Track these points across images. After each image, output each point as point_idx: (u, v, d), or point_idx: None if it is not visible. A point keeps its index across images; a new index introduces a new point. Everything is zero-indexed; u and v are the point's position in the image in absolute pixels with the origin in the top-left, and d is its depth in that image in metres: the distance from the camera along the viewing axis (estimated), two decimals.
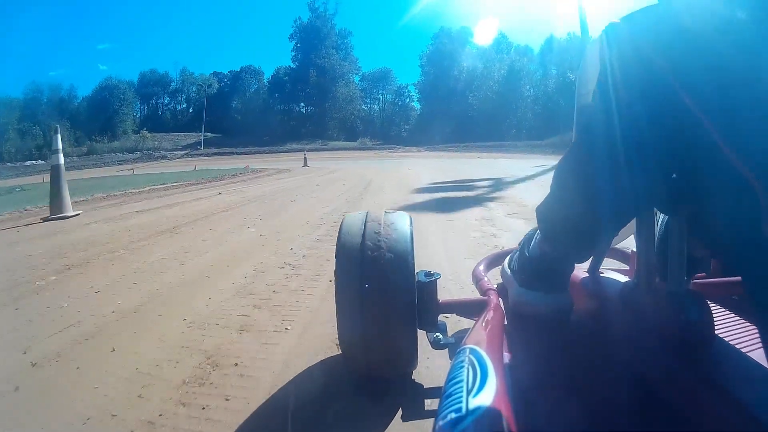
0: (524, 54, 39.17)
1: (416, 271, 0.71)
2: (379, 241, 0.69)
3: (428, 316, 0.74)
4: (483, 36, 39.41)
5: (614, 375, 0.54)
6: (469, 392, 0.34)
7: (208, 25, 74.74)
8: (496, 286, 0.80)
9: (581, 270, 0.75)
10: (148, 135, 38.22)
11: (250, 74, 47.01)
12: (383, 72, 47.47)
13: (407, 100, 47.23)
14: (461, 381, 0.36)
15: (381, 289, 0.66)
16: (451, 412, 0.32)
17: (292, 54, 46.44)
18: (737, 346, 0.49)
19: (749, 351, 0.48)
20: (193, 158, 26.98)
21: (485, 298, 0.75)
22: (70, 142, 35.37)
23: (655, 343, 0.52)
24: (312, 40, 44.45)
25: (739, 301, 0.66)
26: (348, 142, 36.89)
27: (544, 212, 0.62)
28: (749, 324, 0.56)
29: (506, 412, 0.32)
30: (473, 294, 0.95)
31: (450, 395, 0.34)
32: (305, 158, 11.61)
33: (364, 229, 0.72)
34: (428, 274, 0.75)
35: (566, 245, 0.61)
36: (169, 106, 47.19)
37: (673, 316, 0.51)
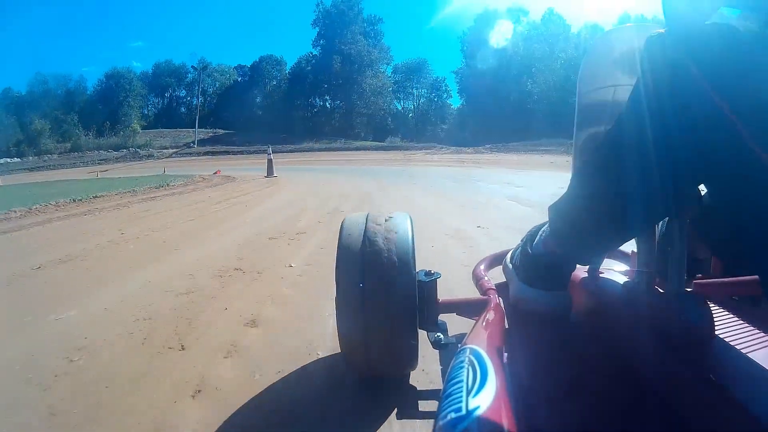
0: (594, 33, 30.09)
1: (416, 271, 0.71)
2: (379, 241, 0.69)
3: (428, 316, 0.74)
4: (538, 15, 32.73)
5: (614, 375, 0.54)
6: (469, 392, 0.34)
7: (231, 15, 72.46)
8: (496, 285, 0.80)
9: (581, 269, 0.75)
10: (140, 130, 34.65)
11: (271, 64, 41.19)
12: (418, 63, 40.24)
13: (444, 96, 40.41)
14: (461, 381, 0.36)
15: (382, 289, 0.66)
16: (451, 412, 0.32)
17: (314, 40, 39.82)
18: (737, 347, 0.49)
19: (749, 351, 0.48)
20: (182, 158, 25.54)
21: (485, 297, 0.75)
22: (56, 137, 33.21)
23: (655, 343, 0.52)
24: (336, 25, 38.12)
25: (739, 302, 0.66)
26: (374, 142, 31.09)
27: (558, 211, 0.61)
28: (749, 324, 0.56)
29: (506, 412, 0.32)
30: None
31: (450, 395, 0.34)
32: (270, 162, 8.15)
33: (365, 229, 0.72)
34: (428, 273, 0.75)
35: (576, 245, 0.61)
36: (185, 99, 42.18)
37: (673, 316, 0.51)
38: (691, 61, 0.41)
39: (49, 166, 25.49)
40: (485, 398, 0.33)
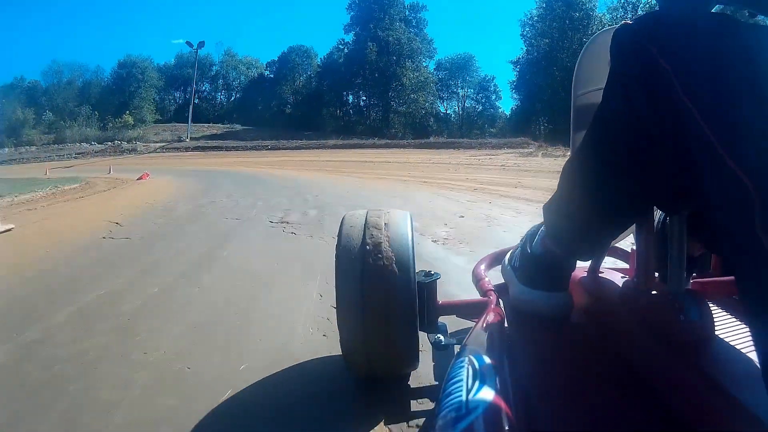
0: None
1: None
2: (379, 240, 0.69)
3: (428, 317, 0.74)
4: None
5: (614, 375, 0.54)
6: (469, 392, 0.34)
7: (260, 5, 70.33)
8: (495, 286, 0.80)
9: (581, 269, 0.75)
10: (131, 121, 32.35)
11: (300, 56, 37.35)
12: (463, 59, 35.26)
13: (494, 98, 35.89)
14: (461, 381, 0.36)
15: (382, 290, 0.65)
16: (451, 411, 0.32)
17: (346, 25, 34.97)
18: (737, 346, 0.49)
19: (749, 351, 0.48)
20: (165, 153, 24.00)
21: (485, 298, 0.75)
22: (41, 128, 31.74)
23: (655, 342, 0.52)
24: (374, 8, 33.39)
25: (739, 301, 0.66)
26: (415, 140, 26.12)
27: (550, 210, 0.62)
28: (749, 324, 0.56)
29: (506, 412, 0.32)
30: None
31: (450, 395, 0.34)
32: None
33: (365, 228, 0.71)
34: (428, 274, 0.75)
35: (570, 243, 0.61)
36: (207, 94, 39.79)
37: (673, 316, 0.51)
38: (657, 51, 0.40)
39: (21, 159, 24.86)
40: (485, 398, 0.33)
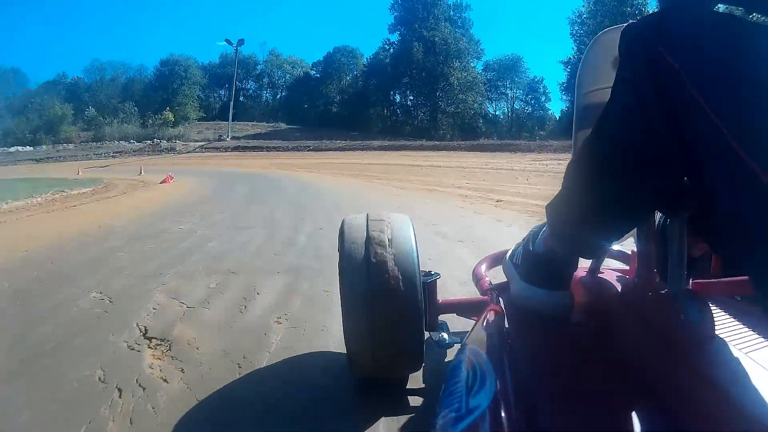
0: None
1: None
2: (382, 242, 0.69)
3: (429, 317, 0.74)
4: None
5: (614, 375, 0.54)
6: (468, 392, 0.34)
7: (305, 6, 69.18)
8: (496, 285, 0.80)
9: (581, 269, 0.75)
10: (172, 117, 31.66)
11: (346, 56, 37.05)
12: (511, 60, 34.41)
13: (543, 99, 35.23)
14: (461, 381, 0.36)
15: (387, 291, 0.65)
16: (451, 411, 0.32)
17: (390, 25, 34.63)
18: (737, 347, 0.49)
19: (749, 351, 0.48)
20: (203, 153, 23.46)
21: (485, 297, 0.75)
22: (80, 125, 31.29)
23: (655, 343, 0.52)
24: (416, 9, 33.14)
25: (739, 302, 0.66)
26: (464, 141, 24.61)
27: (553, 209, 0.62)
28: (749, 324, 0.56)
29: (506, 412, 0.32)
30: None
31: (450, 395, 0.34)
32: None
33: (367, 231, 0.71)
34: (428, 273, 0.75)
35: (573, 243, 0.61)
36: (252, 92, 39.44)
37: (673, 316, 0.51)
38: (665, 49, 0.40)
39: (57, 157, 24.29)
40: (485, 398, 0.33)
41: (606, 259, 0.90)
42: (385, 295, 0.65)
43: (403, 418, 0.72)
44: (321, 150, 22.76)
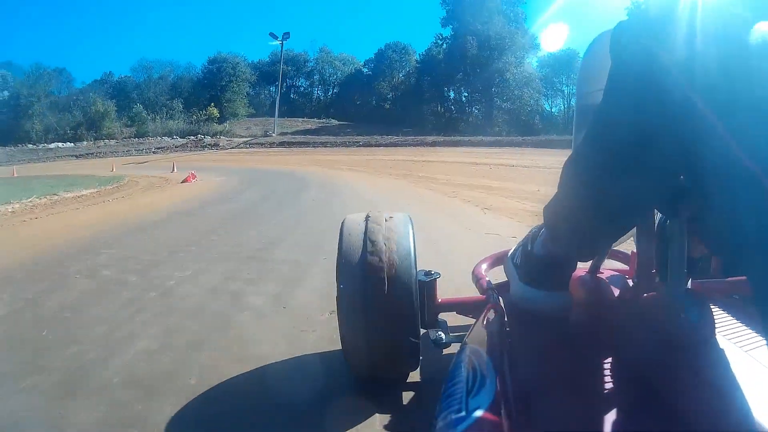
0: None
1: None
2: (380, 241, 0.69)
3: (428, 315, 0.74)
4: None
5: (614, 375, 0.54)
6: (468, 392, 0.34)
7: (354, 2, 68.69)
8: (496, 285, 0.80)
9: (581, 270, 0.75)
10: (216, 113, 30.36)
11: (398, 53, 35.47)
12: (567, 55, 30.52)
13: None
14: (461, 381, 0.36)
15: (384, 289, 0.65)
16: (451, 412, 0.32)
17: (443, 19, 32.54)
18: (737, 347, 0.49)
19: (749, 351, 0.48)
20: (248, 149, 22.10)
21: (485, 297, 0.75)
22: (124, 121, 30.17)
23: (655, 343, 0.52)
24: (468, 2, 30.76)
25: (739, 302, 0.66)
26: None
27: (550, 211, 0.61)
28: (749, 324, 0.56)
29: (506, 412, 0.32)
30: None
31: (450, 395, 0.34)
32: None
33: (365, 229, 0.71)
34: (427, 273, 0.75)
35: (570, 245, 0.61)
36: (303, 89, 38.22)
37: (673, 316, 0.51)
38: (658, 47, 0.39)
39: (98, 153, 23.40)
40: (485, 398, 0.33)
41: (606, 259, 0.90)
42: (379, 295, 0.65)
43: (398, 414, 0.72)
44: (371, 146, 21.43)
